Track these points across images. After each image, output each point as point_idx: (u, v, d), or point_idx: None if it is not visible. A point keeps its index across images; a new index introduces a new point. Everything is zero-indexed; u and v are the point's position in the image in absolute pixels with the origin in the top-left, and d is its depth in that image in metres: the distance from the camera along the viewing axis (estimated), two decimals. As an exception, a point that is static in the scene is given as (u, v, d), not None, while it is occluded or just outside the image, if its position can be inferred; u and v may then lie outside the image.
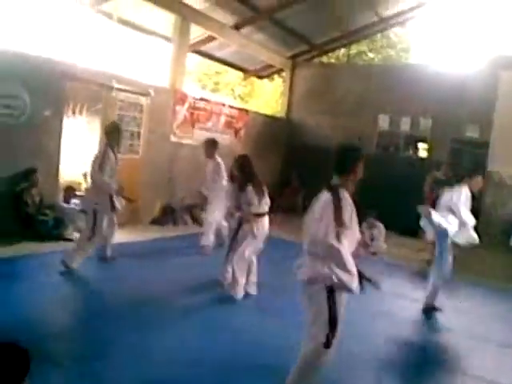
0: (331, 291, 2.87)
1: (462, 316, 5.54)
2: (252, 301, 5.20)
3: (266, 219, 5.24)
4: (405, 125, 11.89)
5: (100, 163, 5.41)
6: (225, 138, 10.65)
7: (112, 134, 5.69)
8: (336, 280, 2.80)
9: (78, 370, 3.30)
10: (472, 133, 11.13)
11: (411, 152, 12.04)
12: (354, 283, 2.85)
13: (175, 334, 4.06)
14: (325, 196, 2.95)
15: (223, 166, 6.95)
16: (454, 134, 11.21)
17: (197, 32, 10.35)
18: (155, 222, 8.63)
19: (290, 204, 11.82)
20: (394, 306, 5.65)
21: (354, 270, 2.85)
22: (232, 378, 3.45)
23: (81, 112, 8.82)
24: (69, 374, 3.24)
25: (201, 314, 4.62)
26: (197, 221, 8.81)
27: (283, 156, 13.01)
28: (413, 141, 12.00)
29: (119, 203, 5.69)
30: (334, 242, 2.79)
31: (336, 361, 3.15)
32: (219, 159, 7.01)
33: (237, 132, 11.16)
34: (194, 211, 8.99)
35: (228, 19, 10.56)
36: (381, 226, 8.54)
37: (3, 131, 6.23)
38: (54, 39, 10.87)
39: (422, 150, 12.02)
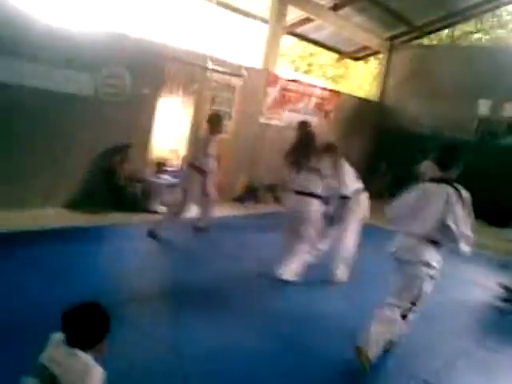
0: (428, 274, 3.24)
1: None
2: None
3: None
4: (509, 111, 11.05)
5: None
6: (314, 120, 10.60)
7: (214, 124, 6.15)
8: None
9: (155, 335, 3.56)
10: None
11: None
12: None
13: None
14: (449, 189, 3.21)
15: None
16: None
17: (294, 13, 10.33)
18: (237, 199, 8.89)
19: (377, 189, 11.54)
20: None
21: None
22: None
23: (177, 92, 9.20)
24: (146, 339, 3.50)
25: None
26: (278, 200, 8.94)
27: (373, 140, 12.67)
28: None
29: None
30: (471, 234, 3.17)
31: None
32: None
33: (327, 114, 11.05)
34: (276, 190, 9.12)
35: (326, 0, 10.40)
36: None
37: (105, 109, 6.71)
38: (154, 21, 11.38)
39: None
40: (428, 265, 3.25)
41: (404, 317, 3.33)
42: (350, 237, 5.17)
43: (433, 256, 3.26)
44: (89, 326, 1.97)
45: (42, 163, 6.24)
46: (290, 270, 4.92)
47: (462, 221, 3.17)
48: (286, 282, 4.86)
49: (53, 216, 6.10)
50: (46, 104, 6.10)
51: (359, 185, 5.22)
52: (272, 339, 3.67)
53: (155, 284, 4.55)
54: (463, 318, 4.87)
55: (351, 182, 5.10)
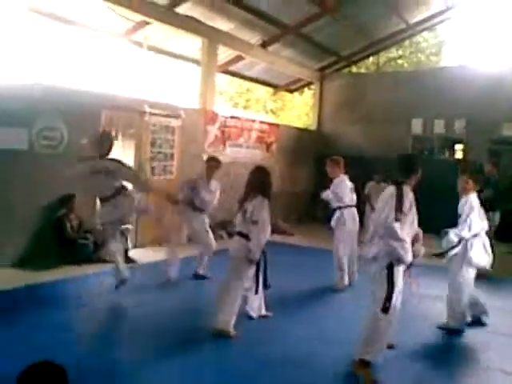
0: (390, 266, 3.47)
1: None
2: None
3: None
4: (439, 127, 11.74)
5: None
6: (257, 153, 10.81)
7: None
8: (395, 253, 3.41)
9: None
10: (510, 131, 10.85)
11: (447, 154, 11.84)
12: (408, 255, 3.45)
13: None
14: (389, 189, 3.62)
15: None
16: (491, 133, 10.97)
17: (225, 53, 10.63)
18: (189, 239, 8.77)
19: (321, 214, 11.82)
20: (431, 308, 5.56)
21: (407, 243, 3.45)
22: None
23: (116, 137, 9.16)
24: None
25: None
26: (231, 235, 8.91)
27: (316, 167, 13.00)
28: (448, 143, 11.81)
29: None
30: (392, 223, 3.41)
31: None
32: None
33: (268, 146, 11.30)
34: (229, 226, 9.12)
35: (255, 38, 10.79)
36: (419, 230, 8.40)
37: (43, 161, 6.57)
38: (87, 70, 11.38)
39: (458, 152, 11.80)
40: None
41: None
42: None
43: None
44: None
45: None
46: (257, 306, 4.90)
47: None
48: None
49: (1, 276, 5.80)
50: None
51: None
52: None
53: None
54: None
55: None
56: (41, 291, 5.45)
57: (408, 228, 3.55)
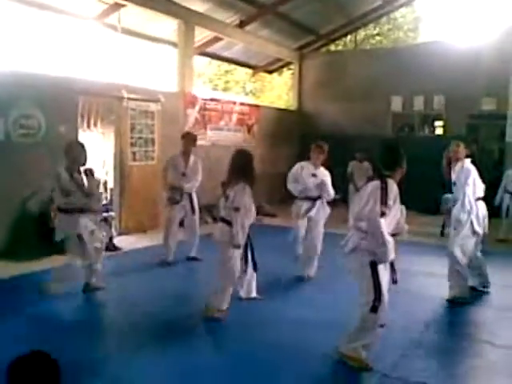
0: (373, 263, 3.38)
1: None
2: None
3: None
4: (418, 104, 11.80)
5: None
6: (238, 136, 10.76)
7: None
8: (376, 252, 3.33)
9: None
10: (489, 106, 10.97)
11: (427, 131, 11.94)
12: (390, 254, 3.36)
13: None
14: (374, 182, 3.47)
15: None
16: (469, 109, 11.08)
17: (202, 34, 10.46)
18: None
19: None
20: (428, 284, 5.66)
21: (390, 242, 3.34)
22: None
23: (95, 124, 9.02)
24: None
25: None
26: (216, 220, 8.88)
27: (298, 147, 13.01)
28: (428, 119, 11.91)
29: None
30: (377, 218, 3.31)
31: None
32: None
33: (250, 128, 11.24)
34: (213, 210, 9.08)
35: (232, 18, 10.64)
36: (402, 207, 8.49)
37: (21, 150, 6.43)
38: (61, 55, 11.12)
39: (438, 128, 11.91)
40: None
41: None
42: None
43: None
44: (39, 378, 1.85)
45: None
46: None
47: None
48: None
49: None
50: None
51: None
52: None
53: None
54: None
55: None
56: (25, 281, 5.39)
57: (390, 221, 3.46)
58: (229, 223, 4.31)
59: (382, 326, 3.55)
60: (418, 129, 11.96)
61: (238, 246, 4.32)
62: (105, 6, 8.69)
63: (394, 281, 3.57)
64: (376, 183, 3.46)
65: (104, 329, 4.46)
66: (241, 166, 4.38)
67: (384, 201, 3.35)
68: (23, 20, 9.75)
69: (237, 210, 4.24)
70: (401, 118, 12.14)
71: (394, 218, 3.50)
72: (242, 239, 4.30)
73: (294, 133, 12.92)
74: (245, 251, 4.49)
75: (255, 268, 4.67)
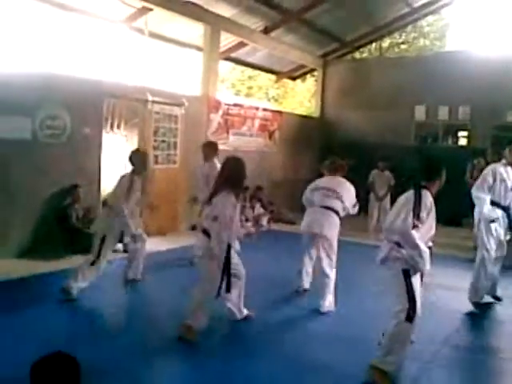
0: (407, 272, 3.32)
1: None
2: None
3: None
4: (443, 114, 11.65)
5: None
6: (259, 142, 10.77)
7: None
8: (410, 261, 3.27)
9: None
10: (514, 118, 10.79)
11: (450, 141, 11.78)
12: (426, 264, 3.29)
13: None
14: (408, 193, 3.44)
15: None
16: (495, 120, 10.90)
17: (227, 39, 10.52)
18: (195, 227, 8.73)
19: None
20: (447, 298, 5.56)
21: (426, 253, 3.28)
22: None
23: (119, 127, 9.11)
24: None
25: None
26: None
27: (319, 154, 12.95)
28: (452, 130, 11.75)
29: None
30: (409, 230, 3.24)
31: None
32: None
33: (271, 134, 11.23)
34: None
35: (257, 24, 10.67)
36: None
37: (46, 150, 6.54)
38: (89, 58, 11.29)
39: (462, 139, 11.74)
40: None
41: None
42: None
43: None
44: (59, 378, 1.87)
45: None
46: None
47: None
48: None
49: (6, 267, 5.75)
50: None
51: None
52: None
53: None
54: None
55: None
56: (47, 280, 5.46)
57: (423, 234, 3.37)
58: (208, 234, 4.00)
59: (411, 342, 3.48)
60: (442, 139, 11.81)
61: (215, 259, 3.94)
62: (132, 10, 8.80)
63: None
64: (409, 194, 3.40)
65: (124, 329, 4.46)
66: (229, 174, 4.11)
67: (417, 213, 3.27)
68: (52, 22, 9.93)
69: (215, 219, 3.92)
70: (424, 128, 11.99)
71: (427, 231, 3.42)
72: (219, 251, 3.89)
73: (316, 140, 12.87)
74: (224, 268, 3.94)
75: (228, 289, 3.99)
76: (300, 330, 4.43)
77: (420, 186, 3.43)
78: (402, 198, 3.46)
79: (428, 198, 3.39)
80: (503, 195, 5.07)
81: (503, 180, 5.06)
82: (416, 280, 3.38)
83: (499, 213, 5.08)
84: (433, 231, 3.49)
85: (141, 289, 5.50)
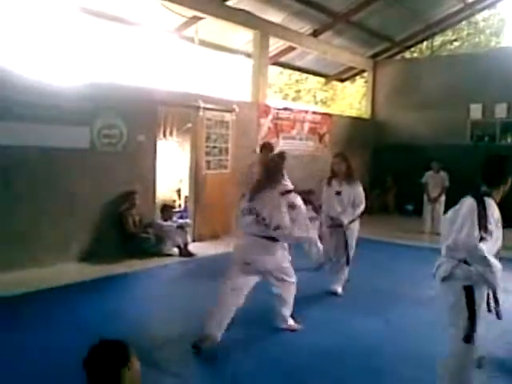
0: (469, 288, 2.91)
1: None
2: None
3: None
4: (500, 112, 11.19)
5: None
6: (310, 145, 10.72)
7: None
8: (480, 280, 2.86)
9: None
10: None
11: (509, 140, 11.28)
12: (498, 281, 2.86)
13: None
14: (469, 202, 2.98)
15: None
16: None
17: (276, 44, 10.56)
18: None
19: (384, 203, 11.69)
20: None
21: (497, 268, 2.85)
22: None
23: (171, 133, 9.32)
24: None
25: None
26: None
27: (371, 156, 12.74)
28: (510, 128, 11.24)
29: None
30: (477, 245, 2.81)
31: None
32: None
33: (321, 137, 11.15)
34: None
35: (306, 28, 10.65)
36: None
37: (103, 159, 6.78)
38: (142, 67, 11.62)
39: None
40: None
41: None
42: None
43: None
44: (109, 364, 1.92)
45: (49, 221, 6.24)
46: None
47: None
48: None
49: (69, 271, 6.05)
50: (44, 162, 6.14)
51: None
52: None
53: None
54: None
55: None
56: (106, 284, 5.65)
57: (492, 246, 2.94)
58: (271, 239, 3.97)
59: (479, 366, 3.14)
60: (500, 137, 11.33)
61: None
62: (183, 20, 9.00)
63: (497, 315, 3.02)
64: (471, 203, 2.97)
65: (165, 330, 4.54)
66: (272, 170, 4.15)
67: (483, 225, 2.85)
68: (107, 34, 10.29)
69: (277, 228, 3.90)
70: (480, 127, 11.55)
71: (493, 244, 2.97)
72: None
73: (367, 142, 12.66)
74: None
75: None
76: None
77: (482, 194, 3.00)
78: (462, 209, 3.01)
79: (494, 208, 2.99)
80: None
81: None
82: (480, 298, 2.96)
83: None
84: (499, 243, 3.05)
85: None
